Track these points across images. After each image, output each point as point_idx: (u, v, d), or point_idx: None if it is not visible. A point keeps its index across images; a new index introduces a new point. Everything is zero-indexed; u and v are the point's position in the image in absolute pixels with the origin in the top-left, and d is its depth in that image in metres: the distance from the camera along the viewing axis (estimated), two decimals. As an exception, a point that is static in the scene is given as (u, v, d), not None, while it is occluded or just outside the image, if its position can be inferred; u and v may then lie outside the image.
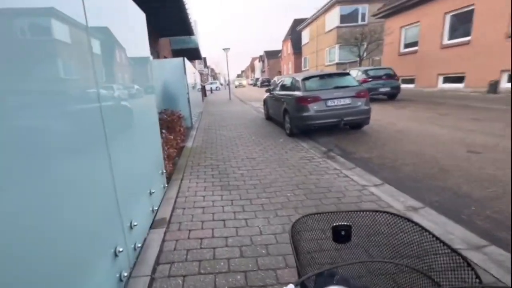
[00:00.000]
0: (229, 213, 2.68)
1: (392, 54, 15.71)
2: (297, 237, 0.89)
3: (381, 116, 7.50)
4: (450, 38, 11.98)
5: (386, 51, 16.24)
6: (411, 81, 14.29)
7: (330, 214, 0.94)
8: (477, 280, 0.66)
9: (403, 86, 11.87)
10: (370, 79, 10.55)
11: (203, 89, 18.89)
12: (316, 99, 5.41)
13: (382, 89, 10.59)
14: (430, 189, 3.02)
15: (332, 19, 22.44)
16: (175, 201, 2.98)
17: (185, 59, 7.14)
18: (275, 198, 2.95)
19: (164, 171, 3.11)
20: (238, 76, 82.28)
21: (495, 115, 6.47)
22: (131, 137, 2.08)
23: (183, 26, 9.27)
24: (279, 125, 7.20)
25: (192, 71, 9.44)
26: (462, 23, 11.36)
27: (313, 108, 5.39)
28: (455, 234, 2.15)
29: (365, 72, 10.95)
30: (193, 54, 16.62)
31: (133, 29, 2.35)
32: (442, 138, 4.97)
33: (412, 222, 0.87)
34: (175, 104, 6.88)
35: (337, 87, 5.60)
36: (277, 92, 7.17)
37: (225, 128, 7.38)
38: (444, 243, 0.77)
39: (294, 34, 34.99)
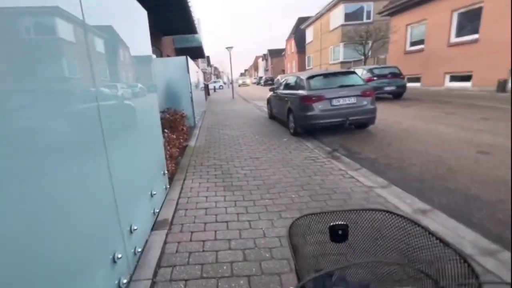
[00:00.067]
0: (232, 214, 2.63)
1: (397, 53, 15.50)
2: (295, 238, 0.89)
3: (386, 115, 7.38)
4: (458, 36, 11.77)
5: (392, 49, 16.04)
6: (417, 79, 14.09)
7: (327, 214, 0.94)
8: (474, 276, 0.65)
9: (408, 84, 11.72)
10: (375, 78, 10.40)
11: (206, 87, 18.87)
12: (320, 98, 5.33)
13: (387, 88, 10.44)
14: (439, 191, 2.93)
15: (337, 17, 22.23)
16: (177, 202, 2.94)
17: (188, 57, 7.09)
18: (279, 200, 2.89)
19: (166, 171, 3.06)
20: (242, 74, 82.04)
21: (504, 115, 6.32)
22: (131, 138, 2.01)
23: (187, 25, 9.23)
24: (282, 124, 7.13)
25: (195, 69, 9.40)
26: (470, 21, 11.14)
27: (318, 107, 5.31)
28: (467, 239, 2.07)
29: (370, 70, 10.80)
30: (197, 52, 16.60)
31: (133, 27, 2.30)
32: (449, 137, 4.86)
33: (408, 219, 0.87)
34: (178, 103, 6.85)
35: (342, 86, 5.51)
36: (281, 91, 7.09)
37: (228, 127, 7.33)
38: (441, 240, 0.77)
39: (298, 32, 34.78)
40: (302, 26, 31.52)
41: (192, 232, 2.35)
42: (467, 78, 11.37)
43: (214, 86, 31.63)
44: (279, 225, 2.39)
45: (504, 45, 9.51)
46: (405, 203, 2.66)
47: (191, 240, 2.23)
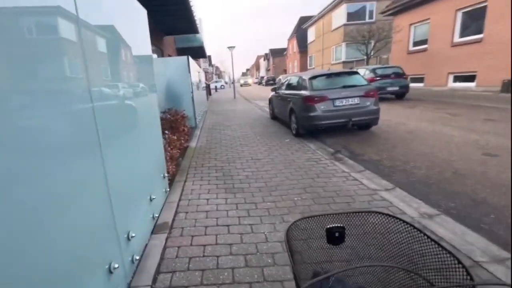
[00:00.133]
0: (233, 218, 2.57)
1: (400, 52, 15.38)
2: (293, 241, 0.90)
3: (389, 116, 7.30)
4: (462, 35, 11.64)
5: (395, 49, 15.91)
6: (420, 80, 13.97)
7: (324, 216, 0.95)
8: (468, 277, 0.66)
9: (411, 85, 11.59)
10: (378, 78, 10.31)
11: (207, 87, 18.83)
12: (323, 99, 5.26)
13: (390, 88, 10.34)
14: (445, 195, 2.86)
15: (339, 16, 22.12)
16: (178, 204, 2.89)
17: (189, 57, 7.04)
18: (281, 202, 2.83)
19: (166, 174, 3.00)
20: (243, 74, 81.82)
21: (509, 116, 6.22)
22: (129, 140, 1.93)
23: (188, 24, 9.19)
24: (284, 125, 7.07)
25: (196, 69, 9.35)
26: (474, 20, 11.02)
27: (320, 108, 5.25)
28: (476, 245, 2.00)
29: (373, 70, 10.71)
30: (198, 52, 16.56)
31: (132, 25, 2.24)
32: (454, 139, 4.78)
33: (404, 221, 0.88)
34: (179, 103, 6.80)
35: (345, 86, 5.43)
36: (283, 91, 7.02)
37: (229, 128, 7.28)
38: (436, 242, 0.77)
39: (300, 32, 34.67)
40: (304, 26, 31.42)
41: (192, 236, 2.29)
42: (471, 78, 11.24)
43: (216, 86, 31.60)
44: (282, 229, 2.33)
45: (509, 44, 9.39)
46: (411, 207, 2.60)
47: (191, 245, 2.18)
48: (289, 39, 42.21)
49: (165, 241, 2.24)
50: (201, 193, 3.17)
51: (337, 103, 5.28)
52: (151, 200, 2.25)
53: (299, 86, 6.06)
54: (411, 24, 14.47)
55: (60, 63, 1.12)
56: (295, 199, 2.90)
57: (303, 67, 33.13)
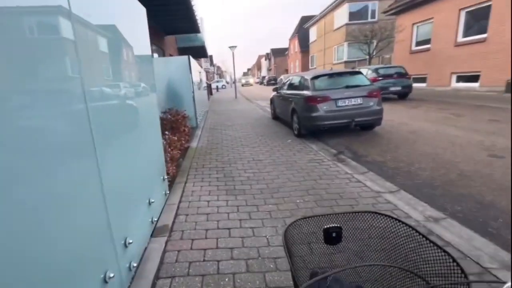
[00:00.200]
0: (234, 220, 2.52)
1: (403, 52, 15.27)
2: (291, 242, 0.90)
3: (392, 116, 7.23)
4: (465, 35, 11.53)
5: (397, 48, 15.81)
6: (422, 79, 13.87)
7: (321, 217, 0.96)
8: (463, 275, 0.68)
9: (414, 85, 11.50)
10: (380, 78, 10.23)
11: (209, 87, 18.78)
12: (325, 99, 5.20)
13: (393, 88, 10.26)
14: (451, 197, 2.80)
15: (341, 16, 22.02)
16: (178, 207, 2.84)
17: (190, 57, 7.00)
18: (284, 205, 2.78)
19: (166, 176, 2.94)
20: (244, 74, 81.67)
21: (510, 116, 6.12)
22: (127, 141, 1.86)
23: (189, 24, 9.14)
24: (286, 125, 7.01)
25: (197, 69, 9.31)
26: (477, 20, 10.91)
27: (323, 108, 5.19)
28: (484, 251, 1.94)
29: (376, 70, 10.63)
30: (199, 52, 16.52)
31: (130, 23, 2.19)
32: (459, 140, 4.71)
33: (400, 221, 0.89)
34: (180, 103, 6.76)
35: (348, 86, 5.37)
36: (284, 91, 6.97)
37: (231, 128, 7.23)
38: (431, 241, 0.78)
39: (301, 31, 34.55)
40: (306, 25, 31.31)
41: (192, 240, 2.25)
42: (474, 78, 11.14)
43: (217, 86, 31.53)
44: (284, 233, 2.28)
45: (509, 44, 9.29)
46: (416, 210, 2.54)
47: (191, 249, 2.13)
48: (291, 39, 42.09)
49: (165, 244, 2.19)
50: (202, 194, 3.13)
51: (340, 103, 5.22)
52: (150, 203, 2.19)
53: (301, 86, 6.00)
54: (413, 24, 14.36)
55: (50, 61, 1.05)
56: (297, 201, 2.84)
57: (305, 67, 33.02)
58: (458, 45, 11.74)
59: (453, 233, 2.16)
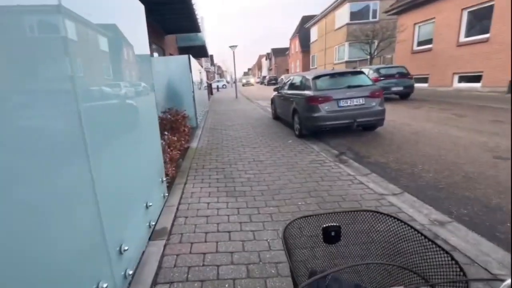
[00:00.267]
0: (235, 223, 2.46)
1: (404, 52, 15.20)
2: (290, 240, 0.90)
3: (394, 116, 7.16)
4: (467, 35, 11.46)
5: (399, 48, 15.73)
6: (424, 80, 13.79)
7: (320, 216, 0.96)
8: (461, 273, 0.68)
9: (415, 85, 11.42)
10: (382, 78, 10.16)
11: (209, 87, 18.73)
12: (327, 99, 5.14)
13: (395, 88, 10.20)
14: (456, 200, 2.74)
15: (342, 16, 21.94)
16: (177, 209, 2.78)
17: (191, 56, 6.94)
18: (285, 207, 2.72)
19: (164, 178, 2.87)
20: (245, 74, 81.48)
21: (510, 116, 6.06)
22: (123, 143, 1.78)
23: (190, 23, 9.09)
24: (287, 126, 6.95)
25: (197, 68, 9.24)
26: (480, 20, 10.83)
27: (324, 108, 5.12)
28: (492, 256, 1.88)
29: (377, 70, 10.56)
30: (200, 51, 16.47)
31: (128, 20, 2.13)
32: (462, 141, 4.65)
33: (399, 220, 0.89)
34: (180, 103, 6.70)
35: (350, 87, 5.31)
36: (285, 91, 6.90)
37: (231, 128, 7.17)
38: (430, 239, 0.78)
39: (302, 31, 34.48)
40: (307, 25, 31.22)
41: (192, 243, 2.19)
42: (476, 78, 11.06)
43: (218, 85, 31.45)
44: (286, 237, 2.22)
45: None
46: (421, 213, 2.48)
47: (190, 253, 2.07)
48: (291, 39, 42.01)
49: (163, 248, 2.13)
50: (202, 196, 3.07)
51: (342, 103, 5.16)
52: (147, 207, 2.11)
53: (303, 86, 5.94)
54: (415, 24, 14.28)
55: (37, 57, 0.99)
56: (299, 203, 2.78)
57: (306, 67, 32.95)
58: (460, 45, 11.66)
59: (459, 238, 2.10)
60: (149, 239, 2.23)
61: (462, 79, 11.83)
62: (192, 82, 7.09)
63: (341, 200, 2.81)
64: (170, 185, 3.32)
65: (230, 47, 17.17)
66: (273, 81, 34.44)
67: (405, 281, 0.81)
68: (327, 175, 3.49)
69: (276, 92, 7.96)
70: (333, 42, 23.92)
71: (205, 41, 14.09)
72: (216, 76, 56.60)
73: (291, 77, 7.25)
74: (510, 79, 9.40)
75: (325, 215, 0.97)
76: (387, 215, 0.92)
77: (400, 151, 4.41)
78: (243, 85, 41.31)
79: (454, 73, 12.06)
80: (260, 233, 2.29)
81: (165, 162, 3.18)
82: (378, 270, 0.90)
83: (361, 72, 5.81)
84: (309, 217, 0.97)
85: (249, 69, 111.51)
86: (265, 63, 72.07)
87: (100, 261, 1.26)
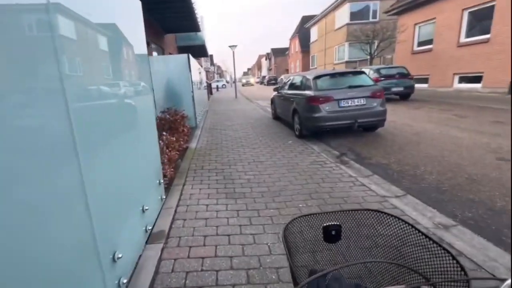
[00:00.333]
0: (234, 226, 2.41)
1: (405, 52, 15.17)
2: (290, 240, 0.90)
3: (394, 117, 7.11)
4: (468, 36, 11.42)
5: (399, 49, 15.70)
6: (424, 80, 13.75)
7: (320, 215, 0.96)
8: (462, 272, 0.68)
9: (415, 85, 11.38)
10: (382, 78, 10.11)
11: (209, 87, 18.65)
12: (328, 99, 5.08)
13: (395, 89, 10.15)
14: (460, 203, 2.69)
15: (342, 16, 21.90)
16: (176, 211, 2.72)
17: (190, 55, 6.87)
18: (286, 209, 2.67)
19: (162, 180, 2.80)
20: (245, 73, 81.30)
21: (510, 117, 6.01)
22: (118, 144, 1.70)
23: (189, 22, 9.03)
24: (287, 126, 6.90)
25: (197, 68, 9.18)
26: (480, 20, 10.80)
27: (325, 108, 5.07)
28: (499, 261, 1.83)
29: (377, 70, 10.51)
30: (200, 51, 16.41)
31: (123, 16, 2.06)
32: (464, 142, 4.60)
33: (399, 219, 0.89)
34: (179, 103, 6.64)
35: (351, 87, 5.25)
36: (285, 91, 6.85)
37: (231, 128, 7.11)
38: (430, 239, 0.78)
39: (302, 31, 34.43)
40: (307, 25, 31.18)
41: (190, 247, 2.13)
42: (477, 79, 11.03)
43: (217, 85, 31.36)
44: (286, 241, 2.16)
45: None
46: (424, 216, 2.42)
47: (189, 257, 2.01)
48: (291, 39, 41.95)
49: (161, 252, 2.07)
50: (201, 198, 3.01)
51: (343, 103, 5.11)
52: (143, 211, 2.04)
53: (303, 86, 5.89)
54: (416, 24, 14.25)
55: (23, 54, 0.93)
56: (300, 206, 2.73)
57: (306, 67, 32.89)
58: (460, 45, 11.63)
59: (465, 242, 2.05)
60: (146, 242, 2.17)
61: (463, 79, 11.79)
62: (192, 81, 7.02)
63: (342, 203, 2.75)
64: (168, 187, 3.26)
65: (230, 46, 17.10)
66: (273, 81, 34.39)
67: (405, 280, 0.80)
68: (328, 177, 3.43)
69: (276, 92, 7.90)
70: (333, 42, 23.88)
71: (205, 40, 14.03)
72: (216, 76, 56.49)
73: (291, 77, 7.20)
74: (510, 80, 9.37)
75: (325, 214, 0.97)
76: (388, 214, 0.92)
77: (402, 152, 4.35)
78: (242, 85, 41.20)
79: (454, 74, 12.03)
80: (260, 237, 2.23)
81: (163, 163, 3.11)
82: (378, 269, 0.89)
83: (362, 72, 5.76)
84: (309, 216, 0.97)
85: (248, 69, 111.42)
86: (264, 63, 72.01)
87: (91, 271, 1.19)
